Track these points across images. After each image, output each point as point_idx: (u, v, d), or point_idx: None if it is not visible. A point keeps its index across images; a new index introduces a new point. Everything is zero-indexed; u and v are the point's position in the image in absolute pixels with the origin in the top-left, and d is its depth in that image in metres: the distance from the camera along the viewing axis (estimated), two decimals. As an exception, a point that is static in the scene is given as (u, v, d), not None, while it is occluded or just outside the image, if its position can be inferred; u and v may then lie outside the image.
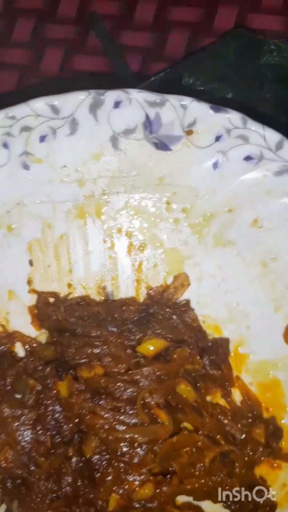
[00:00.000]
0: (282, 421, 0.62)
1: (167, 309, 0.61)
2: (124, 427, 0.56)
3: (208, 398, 0.62)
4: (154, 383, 0.58)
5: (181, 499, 0.60)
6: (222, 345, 0.62)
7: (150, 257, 0.62)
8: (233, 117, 0.56)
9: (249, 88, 0.70)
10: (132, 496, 0.56)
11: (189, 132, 0.57)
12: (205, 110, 0.56)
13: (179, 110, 0.56)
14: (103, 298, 0.62)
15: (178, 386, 0.59)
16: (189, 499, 0.60)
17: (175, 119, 0.57)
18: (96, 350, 0.58)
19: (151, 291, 0.63)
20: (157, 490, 0.57)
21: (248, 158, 0.58)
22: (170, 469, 0.59)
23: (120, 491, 0.56)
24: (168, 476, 0.57)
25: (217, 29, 0.75)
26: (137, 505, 0.57)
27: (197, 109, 0.56)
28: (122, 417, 0.56)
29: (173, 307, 0.62)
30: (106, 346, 0.58)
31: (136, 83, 0.70)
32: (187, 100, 0.56)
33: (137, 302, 0.62)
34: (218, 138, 0.58)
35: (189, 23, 0.76)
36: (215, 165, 0.59)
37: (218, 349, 0.62)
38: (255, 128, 0.57)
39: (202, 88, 0.70)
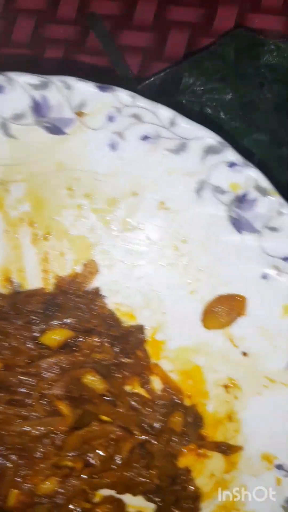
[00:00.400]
0: (206, 408, 0.60)
1: (76, 298, 0.60)
2: (21, 421, 0.54)
3: (128, 388, 0.60)
4: (56, 375, 0.56)
5: (105, 493, 0.59)
6: (135, 332, 0.60)
7: (56, 245, 0.61)
8: (121, 95, 0.54)
9: (249, 88, 0.69)
10: (35, 490, 0.54)
11: (79, 114, 0.55)
12: (91, 90, 0.54)
13: (64, 91, 0.54)
14: (10, 290, 0.61)
15: (83, 377, 0.57)
16: (112, 492, 0.59)
17: (63, 101, 0.55)
18: (-4, 344, 0.57)
19: (59, 281, 0.61)
20: (64, 484, 0.55)
21: (145, 138, 0.56)
22: (91, 462, 0.57)
23: (22, 486, 0.54)
24: (72, 469, 0.56)
25: (217, 29, 0.74)
26: (43, 500, 0.55)
27: (83, 89, 0.54)
28: (19, 410, 0.54)
29: (83, 295, 0.60)
30: (6, 339, 0.57)
31: (136, 83, 0.69)
32: (71, 80, 0.54)
33: (45, 293, 0.60)
34: (110, 118, 0.55)
35: (189, 23, 0.75)
36: (113, 147, 0.57)
37: (131, 337, 0.60)
38: (144, 105, 0.54)
39: (202, 88, 0.69)
